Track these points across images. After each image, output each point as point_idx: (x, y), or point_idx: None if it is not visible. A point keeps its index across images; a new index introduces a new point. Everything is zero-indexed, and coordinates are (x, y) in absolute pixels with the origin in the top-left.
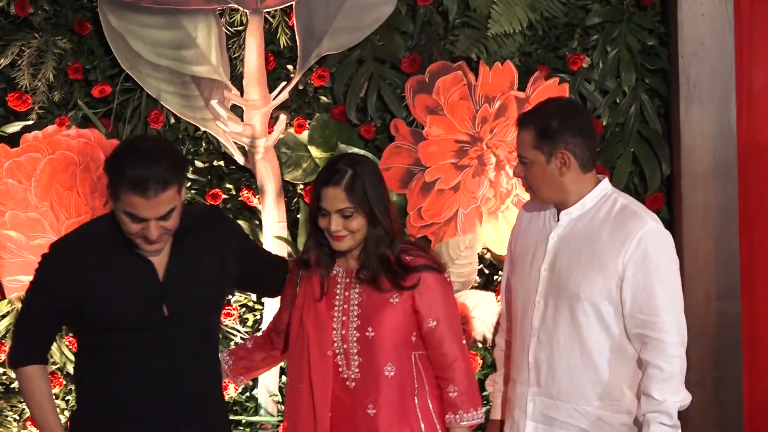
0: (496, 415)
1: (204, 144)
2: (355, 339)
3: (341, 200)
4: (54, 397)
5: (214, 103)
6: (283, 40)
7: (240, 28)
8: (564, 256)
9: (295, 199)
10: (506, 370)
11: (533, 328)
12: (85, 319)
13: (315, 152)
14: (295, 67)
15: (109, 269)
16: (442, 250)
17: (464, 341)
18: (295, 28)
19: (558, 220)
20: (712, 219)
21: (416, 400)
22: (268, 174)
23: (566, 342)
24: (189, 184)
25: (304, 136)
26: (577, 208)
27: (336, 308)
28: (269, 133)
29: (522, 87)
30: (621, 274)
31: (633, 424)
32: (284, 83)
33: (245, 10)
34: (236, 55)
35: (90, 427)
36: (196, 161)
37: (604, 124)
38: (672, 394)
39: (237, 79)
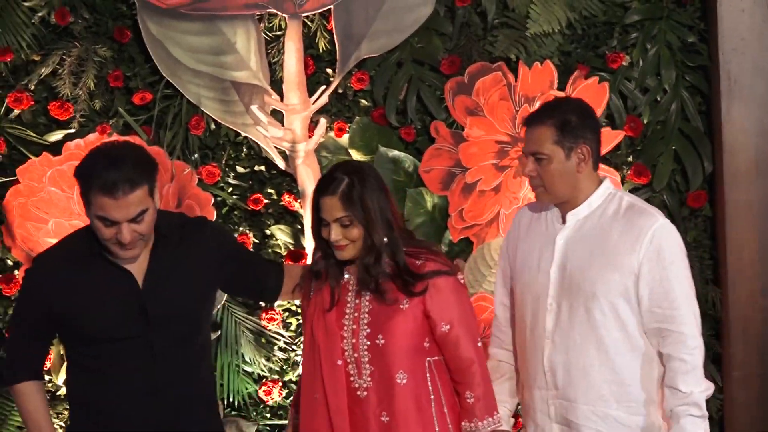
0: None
1: (245, 149)
2: (365, 347)
3: (338, 209)
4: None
5: (254, 108)
6: (322, 44)
7: (279, 32)
8: (574, 256)
9: None
10: (519, 378)
11: (547, 331)
12: (68, 330)
13: (356, 156)
14: (334, 71)
15: (89, 280)
16: (483, 251)
17: (480, 344)
18: (334, 32)
19: (564, 221)
20: (755, 215)
21: (433, 408)
22: (309, 178)
23: (582, 342)
24: (230, 189)
25: (345, 139)
26: (584, 208)
27: (347, 317)
28: (309, 137)
29: (562, 86)
30: (637, 271)
31: (647, 425)
32: (324, 87)
33: (284, 15)
34: (275, 59)
35: None
36: (237, 166)
37: (645, 122)
38: (697, 385)
39: (277, 84)
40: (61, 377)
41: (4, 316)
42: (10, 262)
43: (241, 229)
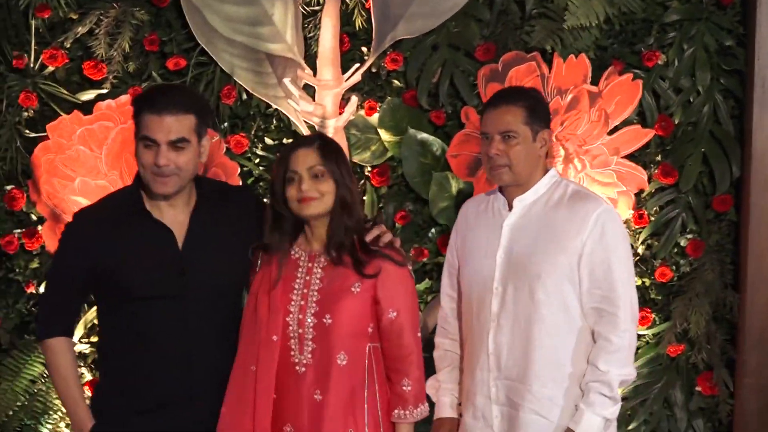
0: (444, 413)
1: (275, 121)
2: (311, 325)
3: (312, 158)
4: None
5: (286, 81)
6: (358, 22)
7: (316, 8)
8: (520, 240)
9: (363, 181)
10: (462, 364)
11: (492, 313)
12: (105, 287)
13: (384, 136)
14: (369, 50)
15: (130, 237)
16: None
17: (419, 335)
18: (372, 11)
19: (510, 208)
20: None
21: (365, 393)
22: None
23: (526, 323)
24: (257, 160)
25: (375, 118)
26: (531, 194)
27: (295, 292)
28: (340, 113)
29: (595, 81)
30: (580, 252)
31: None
32: (357, 65)
33: None
34: (311, 34)
35: (110, 399)
36: (266, 138)
37: (677, 122)
38: (617, 366)
39: (311, 59)
40: (76, 337)
41: (25, 270)
42: (34, 217)
43: (265, 200)
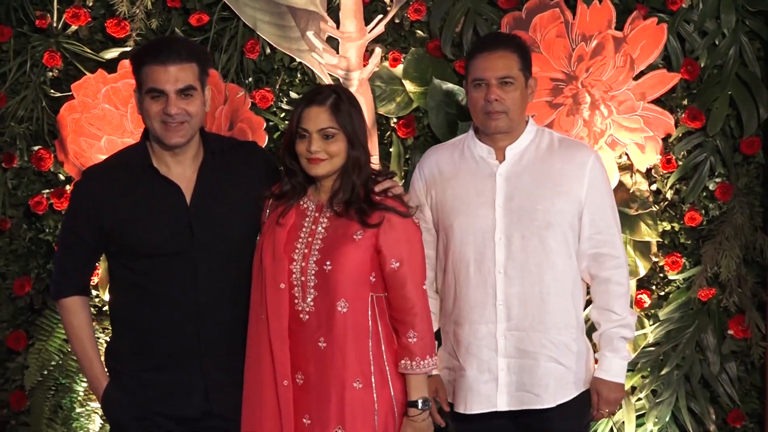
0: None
1: (299, 75)
2: (313, 272)
3: (325, 120)
4: None
5: (310, 34)
6: None
7: None
8: (520, 188)
9: (388, 133)
10: (449, 317)
11: (497, 264)
12: (116, 244)
13: (409, 86)
14: (391, 1)
15: (138, 193)
16: None
17: (425, 287)
18: None
19: (499, 157)
20: None
21: (370, 342)
22: (362, 107)
23: (538, 271)
24: (283, 114)
25: (399, 69)
26: (519, 143)
27: (300, 240)
28: (364, 66)
29: (619, 26)
30: (581, 198)
31: (585, 348)
32: (380, 16)
33: None
34: None
35: (122, 357)
36: (290, 92)
37: (702, 66)
38: (629, 310)
39: (333, 11)
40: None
41: (55, 230)
42: (62, 177)
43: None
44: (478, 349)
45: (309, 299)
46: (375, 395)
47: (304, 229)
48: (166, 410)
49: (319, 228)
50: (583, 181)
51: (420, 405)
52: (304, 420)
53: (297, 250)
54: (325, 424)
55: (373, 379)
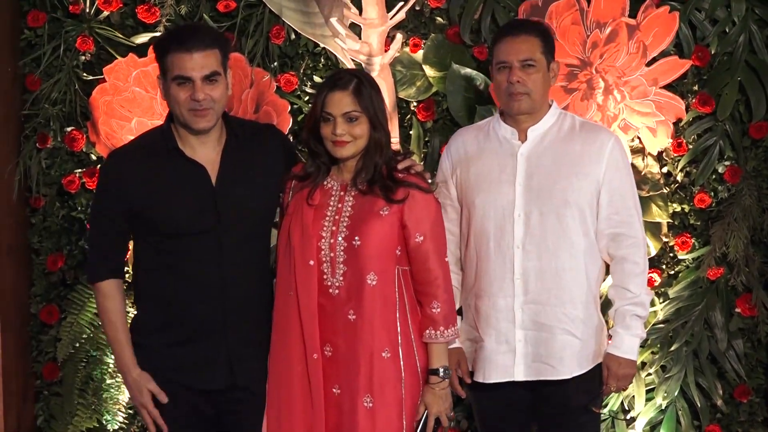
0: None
1: (322, 60)
2: (342, 248)
3: (348, 103)
4: None
5: (333, 20)
6: None
7: None
8: (540, 168)
9: (409, 116)
10: (470, 291)
11: (516, 239)
12: (142, 224)
13: (429, 71)
14: None
15: (164, 174)
16: None
17: (447, 260)
18: None
19: (522, 138)
20: None
21: (397, 314)
22: (383, 91)
23: (555, 247)
24: (306, 98)
25: (419, 55)
26: (543, 123)
27: (327, 218)
28: (385, 51)
29: (633, 14)
30: (600, 179)
31: (599, 324)
32: (402, 3)
33: None
34: None
35: (146, 333)
36: (314, 76)
37: (713, 52)
38: (644, 288)
39: None
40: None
41: (87, 208)
42: (93, 157)
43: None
44: (497, 321)
45: (338, 274)
46: (402, 364)
47: (330, 208)
48: (191, 383)
49: (345, 206)
50: (602, 162)
51: (441, 373)
52: (334, 390)
53: (325, 228)
54: (355, 393)
55: (400, 349)
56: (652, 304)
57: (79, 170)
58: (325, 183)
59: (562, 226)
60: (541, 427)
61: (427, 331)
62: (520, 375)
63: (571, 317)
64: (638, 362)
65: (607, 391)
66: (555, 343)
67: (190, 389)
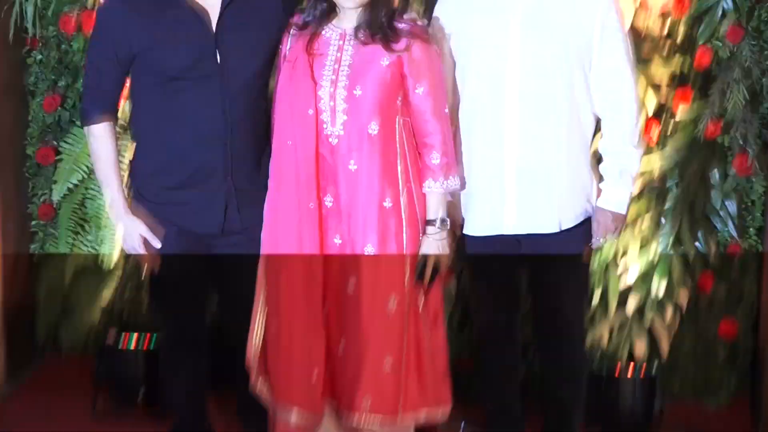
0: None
1: None
2: (342, 97)
3: None
4: None
5: None
6: None
7: None
8: (540, 7)
9: None
10: (469, 141)
11: (509, 80)
12: (141, 66)
13: None
14: None
15: (164, 19)
16: None
17: (447, 112)
18: None
19: None
20: None
21: (399, 165)
22: None
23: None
24: None
25: None
26: None
27: (326, 68)
28: None
29: None
30: (593, 35)
31: (588, 180)
32: None
33: None
34: None
35: (144, 176)
36: None
37: None
38: (635, 144)
39: None
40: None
41: (84, 52)
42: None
43: None
44: (489, 175)
45: (339, 123)
46: (403, 213)
47: (329, 57)
48: (186, 226)
49: (345, 56)
50: (596, 18)
51: (438, 224)
52: (335, 240)
53: (324, 77)
54: (356, 242)
55: (401, 199)
56: (649, 159)
57: (77, 11)
58: (324, 33)
59: (555, 72)
60: (530, 279)
61: (427, 182)
62: (509, 228)
63: (561, 171)
64: (634, 215)
65: (594, 244)
66: (545, 196)
67: (186, 232)
